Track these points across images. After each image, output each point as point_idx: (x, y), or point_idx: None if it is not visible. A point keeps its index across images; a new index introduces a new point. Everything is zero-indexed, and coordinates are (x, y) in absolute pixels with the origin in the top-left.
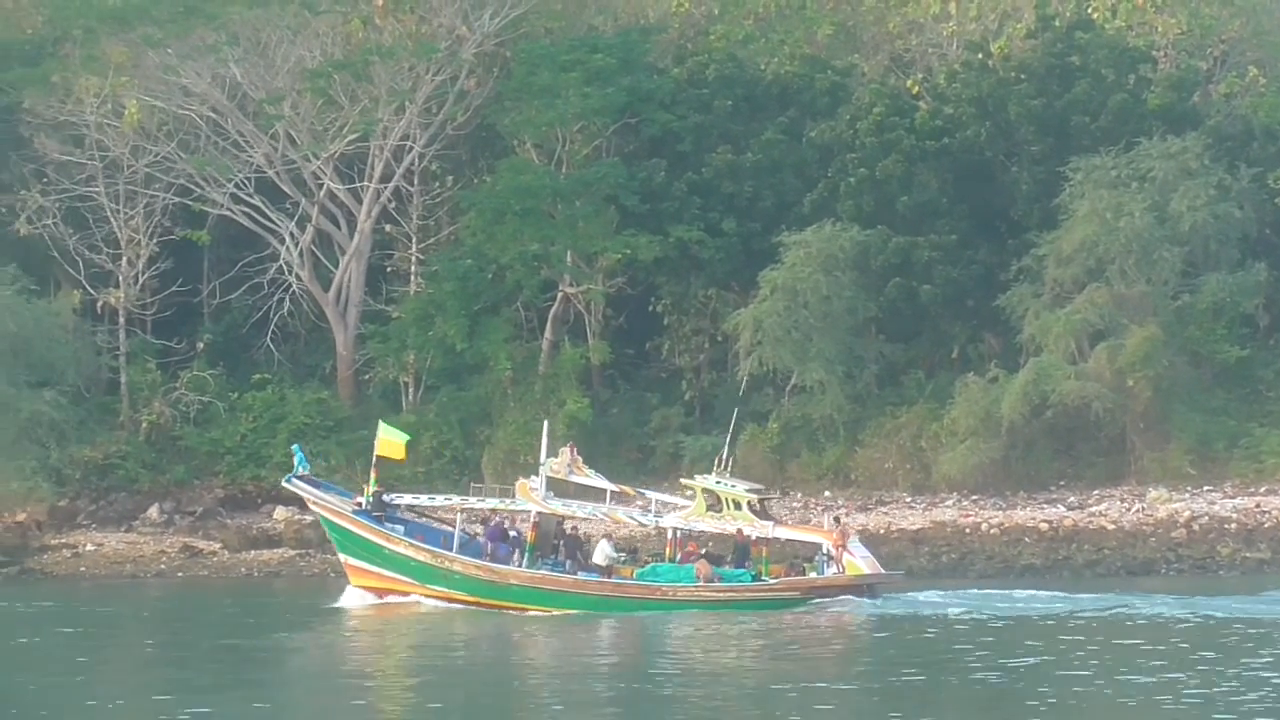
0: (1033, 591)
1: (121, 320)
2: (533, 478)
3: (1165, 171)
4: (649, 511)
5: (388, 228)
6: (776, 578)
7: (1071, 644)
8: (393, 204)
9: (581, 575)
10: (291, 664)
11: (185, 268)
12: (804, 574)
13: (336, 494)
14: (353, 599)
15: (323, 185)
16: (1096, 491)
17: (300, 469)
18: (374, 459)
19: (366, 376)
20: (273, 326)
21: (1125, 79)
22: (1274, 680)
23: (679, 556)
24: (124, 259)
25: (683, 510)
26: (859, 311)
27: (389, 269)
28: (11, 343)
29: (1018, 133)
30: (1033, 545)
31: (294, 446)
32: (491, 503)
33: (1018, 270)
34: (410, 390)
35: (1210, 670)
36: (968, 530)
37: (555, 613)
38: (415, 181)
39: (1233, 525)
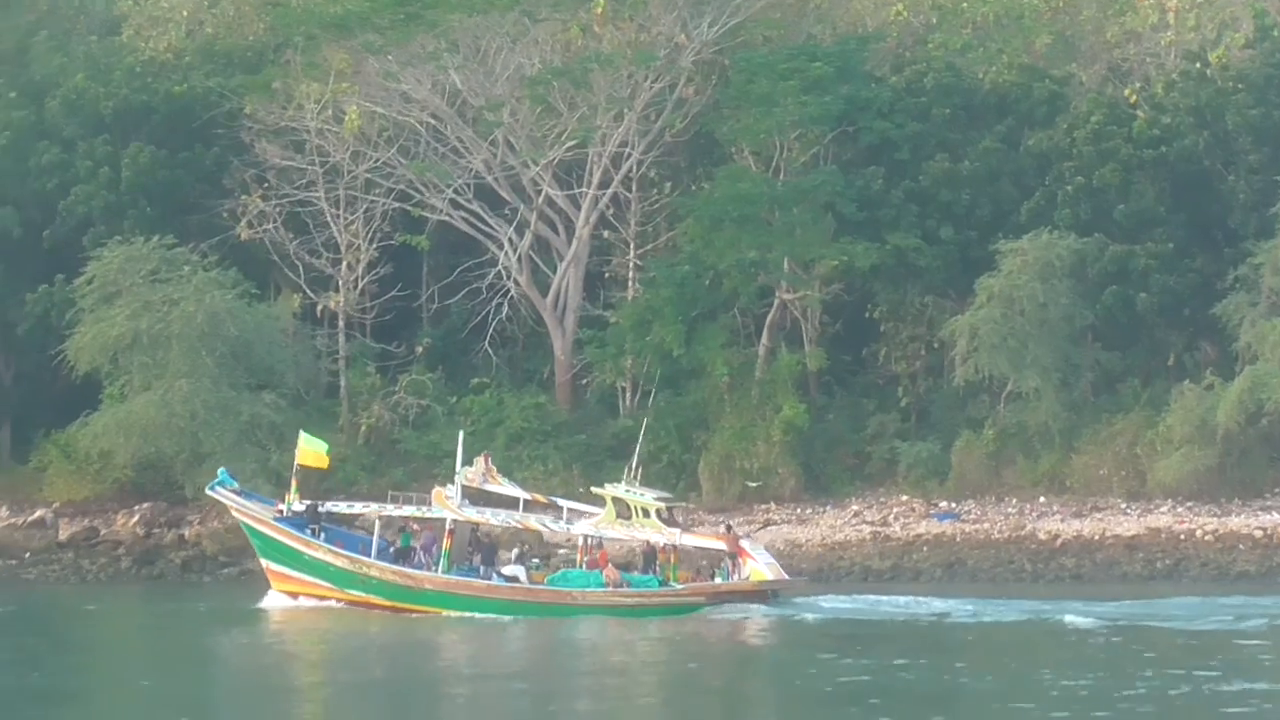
0: (950, 600)
1: (341, 324)
2: (449, 486)
3: None
4: (561, 519)
5: (605, 234)
6: (684, 583)
7: (949, 648)
8: (610, 210)
9: (495, 580)
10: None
11: (404, 272)
12: (710, 579)
13: (259, 502)
14: (274, 602)
15: (541, 191)
16: None
17: (227, 484)
18: (295, 468)
19: (584, 381)
20: (491, 331)
21: None
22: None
23: (587, 562)
24: (344, 263)
25: (593, 518)
26: (1075, 319)
27: (607, 275)
28: (232, 346)
29: (1235, 142)
30: (1247, 552)
31: (220, 470)
32: (408, 510)
33: (1234, 279)
34: (627, 395)
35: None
36: (1182, 537)
37: (468, 616)
38: (633, 188)
39: None
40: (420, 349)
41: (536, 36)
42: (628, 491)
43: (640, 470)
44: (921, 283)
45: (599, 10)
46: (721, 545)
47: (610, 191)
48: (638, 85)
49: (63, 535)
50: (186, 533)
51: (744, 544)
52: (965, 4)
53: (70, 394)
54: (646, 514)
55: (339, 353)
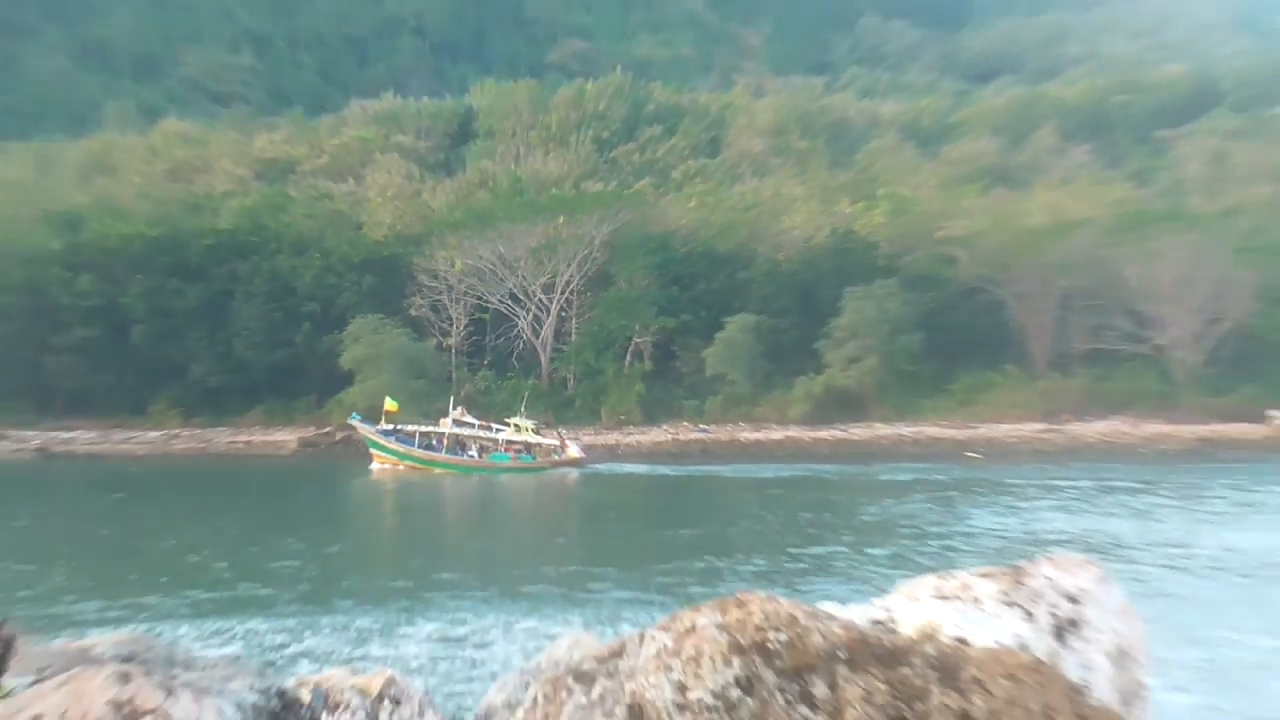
0: (674, 467)
1: (453, 352)
2: (447, 418)
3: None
4: (494, 431)
5: (563, 314)
6: (542, 459)
7: (639, 493)
8: (565, 304)
9: (465, 457)
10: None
11: (479, 330)
12: (551, 457)
13: (369, 425)
14: (375, 466)
15: (535, 296)
16: (854, 424)
17: (355, 418)
18: (384, 412)
19: (554, 375)
20: (515, 354)
21: (853, 258)
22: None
23: (505, 449)
24: (454, 326)
25: (506, 431)
26: (725, 351)
27: (565, 331)
28: (408, 360)
29: (813, 273)
30: (827, 448)
31: (354, 414)
32: (427, 428)
33: (823, 334)
34: (571, 381)
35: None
36: (800, 440)
37: (454, 473)
38: (574, 294)
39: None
40: (486, 362)
41: (534, 231)
42: (519, 420)
43: (524, 412)
44: (694, 334)
45: (560, 221)
46: (557, 442)
47: (564, 296)
48: (576, 252)
49: (337, 438)
50: None
51: (566, 441)
52: (712, 216)
53: (344, 379)
54: (528, 430)
55: (452, 363)
